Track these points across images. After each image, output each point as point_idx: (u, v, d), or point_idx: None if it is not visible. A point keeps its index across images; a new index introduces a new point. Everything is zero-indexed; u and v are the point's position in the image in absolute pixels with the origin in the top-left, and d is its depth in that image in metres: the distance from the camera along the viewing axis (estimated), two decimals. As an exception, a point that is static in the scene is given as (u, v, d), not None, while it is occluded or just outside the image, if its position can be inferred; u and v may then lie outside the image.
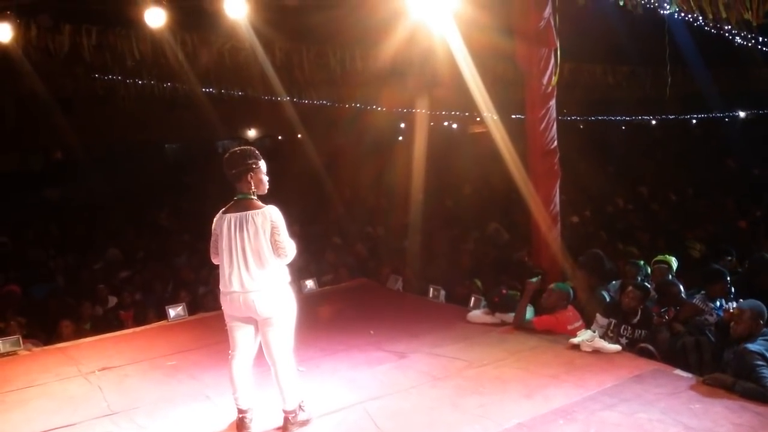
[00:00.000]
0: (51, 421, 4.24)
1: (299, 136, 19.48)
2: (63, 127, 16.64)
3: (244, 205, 3.83)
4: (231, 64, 11.48)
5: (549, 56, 6.97)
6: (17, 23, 8.16)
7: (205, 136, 21.51)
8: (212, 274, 8.29)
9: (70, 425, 4.18)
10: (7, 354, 5.54)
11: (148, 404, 4.46)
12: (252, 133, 25.53)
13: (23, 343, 5.72)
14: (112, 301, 7.73)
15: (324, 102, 18.30)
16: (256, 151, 3.95)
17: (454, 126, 27.79)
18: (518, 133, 7.38)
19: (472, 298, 6.14)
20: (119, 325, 6.85)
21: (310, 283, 6.97)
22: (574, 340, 4.94)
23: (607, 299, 5.70)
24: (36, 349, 5.81)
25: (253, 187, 3.87)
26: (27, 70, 10.41)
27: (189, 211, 13.19)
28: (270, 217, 3.80)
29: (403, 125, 25.22)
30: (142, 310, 7.29)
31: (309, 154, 15.46)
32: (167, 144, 23.74)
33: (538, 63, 6.94)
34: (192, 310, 6.79)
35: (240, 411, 3.96)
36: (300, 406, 3.96)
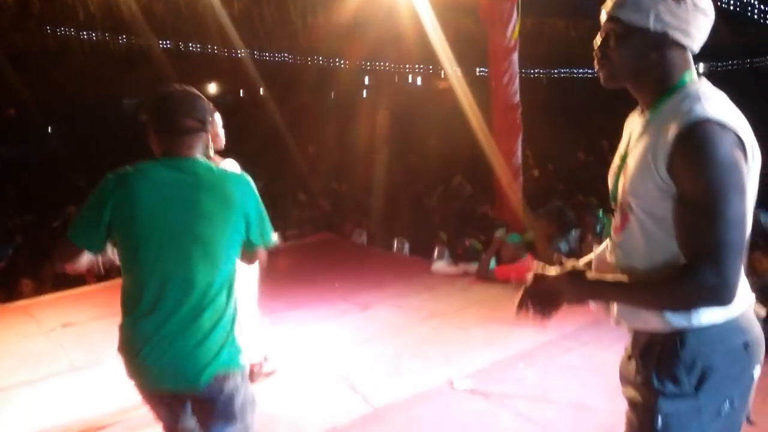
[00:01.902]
0: (13, 378, 4.20)
1: (261, 92, 19.19)
2: (15, 84, 16.12)
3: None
4: (188, 16, 11.18)
5: (511, 10, 6.94)
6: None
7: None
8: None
9: (32, 381, 4.14)
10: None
11: (111, 360, 4.42)
12: (212, 89, 25.08)
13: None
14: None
15: (285, 57, 18.03)
16: (208, 103, 3.83)
17: (419, 82, 27.65)
18: (481, 88, 7.39)
19: (436, 250, 6.22)
20: (81, 283, 6.76)
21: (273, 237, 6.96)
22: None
23: (564, 249, 5.84)
24: (-5, 308, 5.72)
25: (209, 143, 3.78)
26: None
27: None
28: (230, 170, 3.74)
29: (366, 80, 25.00)
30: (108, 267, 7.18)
31: (271, 111, 15.27)
32: (125, 100, 23.19)
33: (500, 16, 6.91)
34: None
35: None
36: (265, 357, 4.00)
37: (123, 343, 2.20)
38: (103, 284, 6.29)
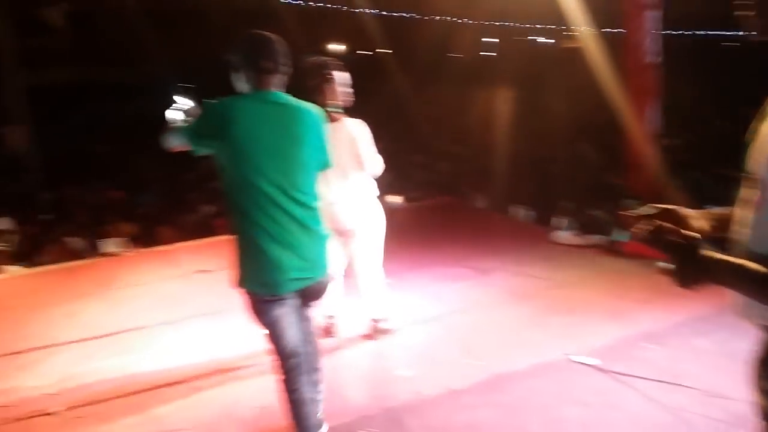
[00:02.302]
0: (154, 317, 4.56)
1: (383, 52, 19.19)
2: (154, 42, 17.04)
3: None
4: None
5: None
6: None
7: (289, 50, 21.49)
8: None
9: (171, 322, 4.48)
10: (114, 254, 5.94)
11: (240, 307, 4.67)
12: (337, 47, 25.34)
13: (128, 245, 6.12)
14: (207, 209, 8.07)
15: (412, 14, 17.85)
16: (331, 62, 3.84)
17: (544, 40, 26.58)
18: (617, 50, 6.96)
19: (560, 219, 6.03)
20: (212, 232, 7.17)
21: (396, 199, 7.04)
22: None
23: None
24: (141, 251, 6.20)
25: (329, 99, 3.79)
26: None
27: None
28: (352, 129, 3.74)
29: (490, 40, 24.33)
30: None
31: (394, 71, 15.25)
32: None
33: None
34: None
35: (327, 317, 4.12)
36: (385, 316, 4.08)
37: None
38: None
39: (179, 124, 2.66)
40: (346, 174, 3.74)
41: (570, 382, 3.43)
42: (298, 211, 2.53)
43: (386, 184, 7.08)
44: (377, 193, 3.93)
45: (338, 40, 24.20)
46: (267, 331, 2.67)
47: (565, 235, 5.74)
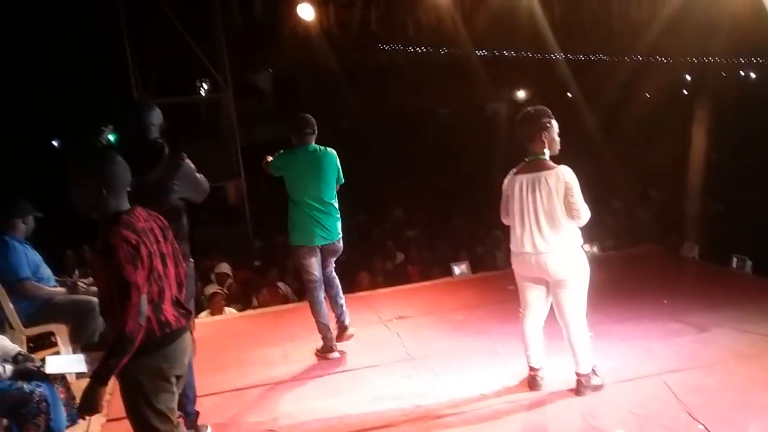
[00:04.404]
0: (359, 360, 4.76)
1: (569, 95, 18.79)
2: (348, 97, 18.20)
3: (537, 166, 3.76)
4: (505, 25, 11.44)
5: None
6: (317, 2, 9.08)
7: (476, 99, 21.87)
8: (489, 234, 8.51)
9: (376, 366, 4.64)
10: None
11: (441, 353, 4.75)
12: (521, 94, 25.30)
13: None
14: (400, 257, 8.34)
15: (601, 57, 17.36)
16: (549, 111, 3.88)
17: (753, 75, 24.43)
18: None
19: (787, 270, 5.41)
20: (408, 280, 7.38)
21: (591, 248, 6.75)
22: None
23: None
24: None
25: (546, 147, 3.80)
26: (322, 46, 11.56)
27: (465, 174, 13.59)
28: (564, 177, 3.69)
29: (688, 77, 22.87)
30: (428, 266, 7.75)
31: (581, 114, 14.86)
32: (440, 109, 24.63)
33: None
34: (474, 269, 7.02)
35: (532, 369, 4.02)
36: (593, 371, 3.90)
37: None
38: (428, 282, 6.81)
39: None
40: (557, 222, 3.69)
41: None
42: (323, 206, 4.62)
43: (582, 231, 6.85)
44: (581, 241, 3.83)
45: (525, 86, 24.20)
46: (304, 265, 4.69)
47: (794, 289, 5.12)
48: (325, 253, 4.76)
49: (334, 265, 4.95)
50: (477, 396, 4.01)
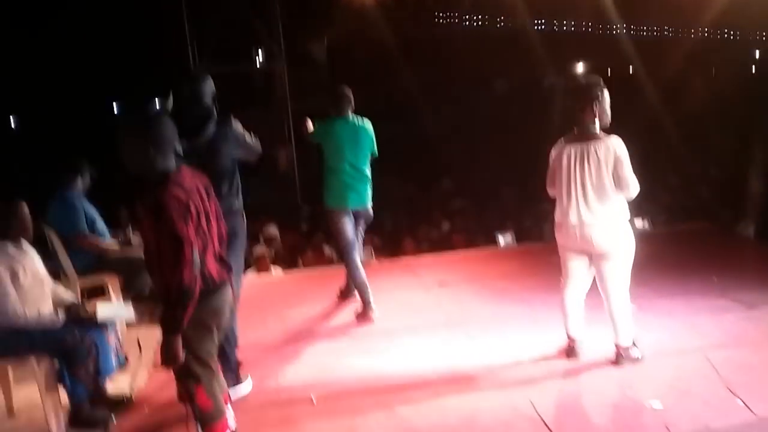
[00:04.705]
0: (399, 323, 4.81)
1: (630, 69, 18.23)
2: (402, 69, 18.10)
3: (587, 136, 3.69)
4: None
5: None
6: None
7: (533, 73, 21.44)
8: (537, 207, 8.41)
9: (413, 328, 4.68)
10: (362, 263, 6.38)
11: (479, 320, 4.76)
12: (579, 68, 24.66)
13: (374, 256, 6.55)
14: (447, 225, 8.34)
15: (666, 31, 16.77)
16: (601, 81, 3.79)
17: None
18: None
19: None
20: (452, 247, 7.38)
21: (642, 222, 6.63)
22: None
23: None
24: (385, 261, 6.60)
25: (596, 118, 3.72)
26: (378, 16, 11.52)
27: (517, 147, 13.40)
28: (614, 148, 3.62)
29: (757, 53, 21.85)
30: (473, 236, 7.73)
31: (643, 89, 14.43)
32: (496, 81, 24.23)
33: None
34: (519, 239, 6.97)
35: (570, 338, 4.00)
36: (633, 343, 3.85)
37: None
38: (472, 251, 6.79)
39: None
40: (604, 194, 3.63)
41: None
42: (356, 173, 4.90)
43: (635, 207, 6.71)
44: (628, 214, 3.75)
45: (588, 59, 23.53)
46: (338, 227, 4.92)
47: None
48: (357, 218, 5.04)
49: (362, 236, 5.24)
50: (513, 362, 4.01)
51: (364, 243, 6.89)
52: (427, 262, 6.46)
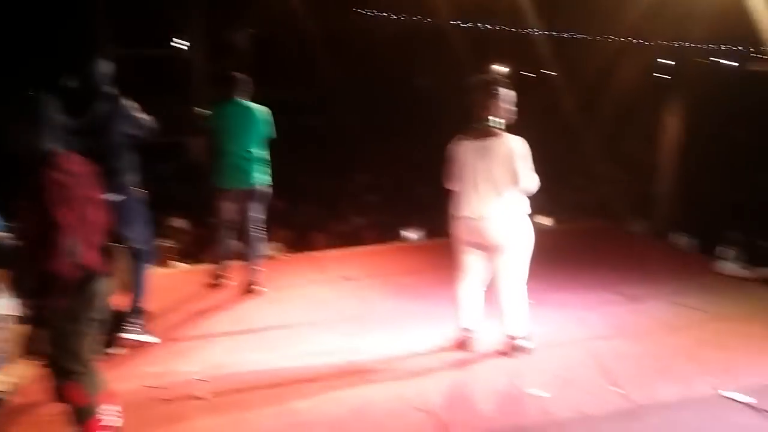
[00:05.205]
0: (300, 317, 4.79)
1: (547, 72, 18.76)
2: (327, 62, 17.95)
3: (487, 133, 3.78)
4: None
5: None
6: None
7: (454, 72, 21.67)
8: (449, 203, 8.56)
9: (315, 323, 4.68)
10: (270, 258, 6.32)
11: (380, 314, 4.81)
12: (502, 68, 25.13)
13: (283, 250, 6.50)
14: (358, 221, 8.37)
15: (583, 35, 17.32)
16: (502, 79, 3.88)
17: (728, 63, 24.55)
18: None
19: (726, 249, 5.53)
20: (362, 243, 7.40)
21: (546, 220, 6.87)
22: None
23: None
24: (293, 255, 6.55)
25: (496, 114, 3.80)
26: (302, 7, 11.38)
27: (435, 144, 13.58)
28: (511, 145, 3.72)
29: (664, 62, 22.96)
30: (384, 232, 7.78)
31: (559, 91, 14.88)
32: (417, 78, 24.37)
33: None
34: (429, 235, 7.07)
35: (465, 330, 4.09)
36: (524, 335, 3.98)
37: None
38: (380, 246, 6.85)
39: None
40: (500, 189, 3.73)
41: (717, 419, 3.15)
42: (247, 155, 5.04)
43: (538, 204, 6.93)
44: (528, 210, 3.86)
45: (504, 61, 24.00)
46: (218, 206, 5.15)
47: (730, 267, 5.26)
48: (247, 198, 5.16)
49: (259, 219, 5.24)
50: (408, 354, 4.08)
51: (272, 238, 6.87)
52: (335, 257, 6.46)
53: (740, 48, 20.90)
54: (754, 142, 12.06)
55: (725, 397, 3.33)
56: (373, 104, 18.17)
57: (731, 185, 8.95)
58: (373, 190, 10.13)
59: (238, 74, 5.09)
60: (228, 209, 5.15)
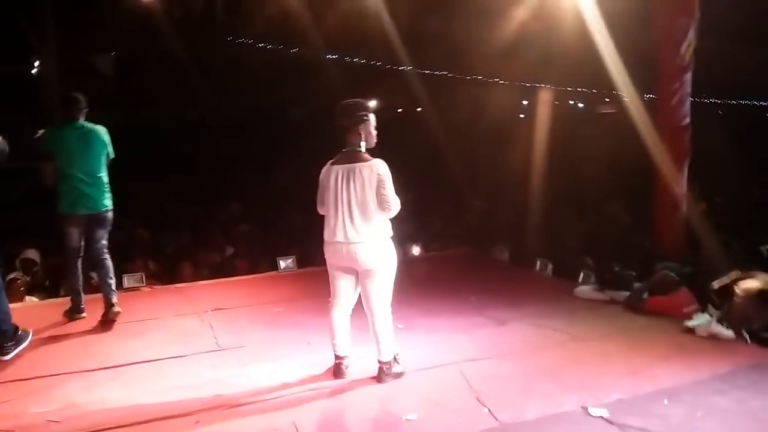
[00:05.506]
0: (165, 351, 4.55)
1: (419, 109, 19.41)
2: (196, 88, 17.49)
3: (353, 158, 3.84)
4: (356, 31, 11.62)
5: (687, 26, 6.48)
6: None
7: (328, 103, 21.80)
8: (322, 231, 8.53)
9: (182, 356, 4.46)
10: (132, 289, 5.98)
11: (251, 344, 4.67)
12: (372, 103, 25.69)
13: (146, 281, 6.16)
14: (230, 250, 8.12)
15: (446, 73, 18.13)
16: (367, 104, 3.97)
17: (580, 105, 26.63)
18: (650, 113, 6.92)
19: (582, 274, 5.92)
20: (234, 273, 7.19)
21: (415, 248, 7.03)
22: (689, 324, 4.66)
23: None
24: (157, 287, 6.23)
25: (362, 140, 3.88)
26: (166, 29, 11.06)
27: (309, 173, 13.52)
28: (377, 170, 3.79)
29: (525, 102, 24.50)
30: (256, 261, 7.61)
31: (429, 128, 15.41)
32: (292, 110, 24.34)
33: (675, 33, 6.48)
34: (302, 264, 6.99)
35: (337, 357, 4.05)
36: (395, 359, 4.00)
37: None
38: (253, 276, 6.69)
39: None
40: (368, 213, 3.77)
41: (580, 433, 3.30)
42: (90, 179, 4.90)
43: (407, 233, 7.09)
44: (391, 233, 3.93)
45: (378, 97, 24.54)
46: (65, 232, 5.00)
47: (586, 290, 5.62)
48: (92, 223, 5.01)
49: (105, 243, 5.09)
50: (280, 384, 3.97)
51: (136, 269, 6.51)
52: (204, 288, 6.24)
53: (593, 90, 22.72)
54: (603, 178, 13.08)
55: (588, 413, 3.50)
56: (247, 131, 17.90)
57: (584, 216, 9.61)
58: (245, 218, 9.89)
59: (77, 95, 4.94)
60: (74, 236, 4.96)
